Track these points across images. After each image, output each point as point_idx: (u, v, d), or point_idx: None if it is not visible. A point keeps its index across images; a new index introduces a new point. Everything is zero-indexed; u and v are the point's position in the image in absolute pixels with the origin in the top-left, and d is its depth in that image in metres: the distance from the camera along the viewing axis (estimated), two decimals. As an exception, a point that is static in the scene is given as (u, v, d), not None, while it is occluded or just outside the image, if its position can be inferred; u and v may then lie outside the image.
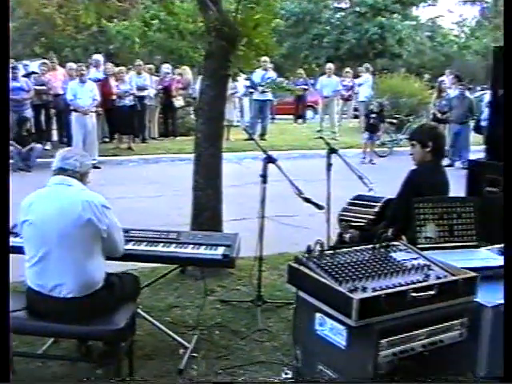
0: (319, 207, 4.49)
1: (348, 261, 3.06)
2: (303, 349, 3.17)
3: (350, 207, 4.73)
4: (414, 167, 4.21)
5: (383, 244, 3.24)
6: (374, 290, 2.79)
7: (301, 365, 3.19)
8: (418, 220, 3.52)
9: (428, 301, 2.83)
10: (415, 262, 3.08)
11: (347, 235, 4.53)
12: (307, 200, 4.46)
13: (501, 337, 2.95)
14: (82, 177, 3.45)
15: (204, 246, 4.07)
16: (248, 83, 14.79)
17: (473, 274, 2.96)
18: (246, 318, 4.87)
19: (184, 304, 5.12)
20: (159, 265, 4.83)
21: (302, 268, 3.01)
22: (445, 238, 3.56)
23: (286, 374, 3.63)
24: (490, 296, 3.02)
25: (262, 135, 14.38)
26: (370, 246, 3.23)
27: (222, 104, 5.49)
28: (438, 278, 2.93)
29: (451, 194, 4.24)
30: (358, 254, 3.15)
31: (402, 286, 2.83)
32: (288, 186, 4.56)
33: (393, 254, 3.16)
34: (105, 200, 3.48)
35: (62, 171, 3.39)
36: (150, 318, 4.41)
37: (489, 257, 3.45)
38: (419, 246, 3.48)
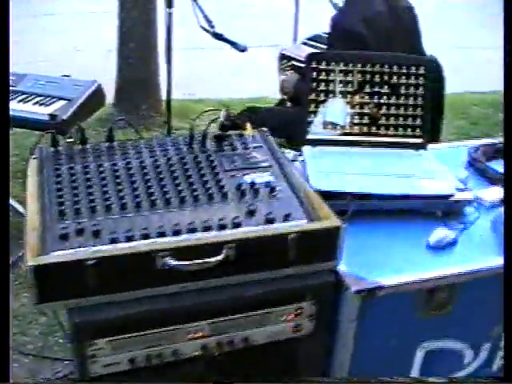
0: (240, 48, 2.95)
1: (120, 164, 1.65)
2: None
3: (302, 45, 3.12)
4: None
5: (216, 134, 1.77)
6: (113, 240, 1.39)
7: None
8: (314, 90, 1.96)
9: (209, 273, 1.41)
10: (249, 179, 1.61)
11: (282, 77, 3.00)
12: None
13: (379, 333, 1.54)
14: None
15: (39, 99, 2.72)
16: None
17: (335, 222, 1.46)
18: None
19: None
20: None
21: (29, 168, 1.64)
22: (363, 126, 1.99)
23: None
24: (382, 264, 1.55)
25: None
26: (188, 135, 1.77)
27: None
28: (269, 221, 1.47)
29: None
30: (151, 151, 1.72)
31: (163, 235, 1.41)
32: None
33: (225, 159, 1.70)
34: None
35: None
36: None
37: (431, 171, 1.89)
38: (310, 136, 1.96)
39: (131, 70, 4.24)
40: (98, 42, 5.87)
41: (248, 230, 1.44)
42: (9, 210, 1.50)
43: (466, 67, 5.78)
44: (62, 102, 2.66)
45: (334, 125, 1.97)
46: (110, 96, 4.49)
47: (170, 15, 3.06)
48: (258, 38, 5.79)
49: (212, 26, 2.88)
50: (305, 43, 3.10)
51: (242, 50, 2.92)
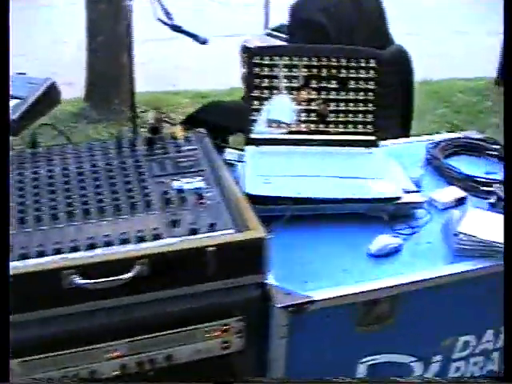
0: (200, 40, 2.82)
1: (42, 172, 1.56)
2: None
3: (265, 36, 3.00)
4: None
5: (146, 137, 1.67)
6: (23, 256, 1.31)
7: None
8: (257, 87, 1.85)
9: (122, 290, 1.31)
10: (177, 185, 1.51)
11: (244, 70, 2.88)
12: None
13: (313, 349, 1.43)
14: None
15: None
16: None
17: (259, 233, 1.35)
18: None
19: None
20: None
21: None
22: (310, 124, 1.88)
23: None
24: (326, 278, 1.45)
25: None
26: (116, 139, 1.67)
27: None
28: (192, 232, 1.37)
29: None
30: (77, 157, 1.63)
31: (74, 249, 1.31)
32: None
33: (155, 164, 1.61)
34: None
35: None
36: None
37: (380, 171, 1.77)
38: (253, 135, 1.85)
39: (101, 64, 4.12)
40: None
41: (164, 243, 1.34)
42: (9, 212, 1.40)
43: (457, 53, 5.64)
44: (15, 101, 2.53)
45: (279, 123, 1.86)
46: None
47: (129, 7, 2.94)
48: (244, 26, 5.65)
49: (170, 18, 2.75)
50: (269, 34, 2.96)
51: (203, 42, 2.80)
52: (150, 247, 1.33)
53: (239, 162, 1.83)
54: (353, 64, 1.84)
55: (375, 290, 1.44)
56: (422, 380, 1.60)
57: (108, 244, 1.34)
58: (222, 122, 2.61)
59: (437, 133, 2.66)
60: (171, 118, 1.71)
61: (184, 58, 5.35)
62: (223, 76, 4.95)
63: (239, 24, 6.00)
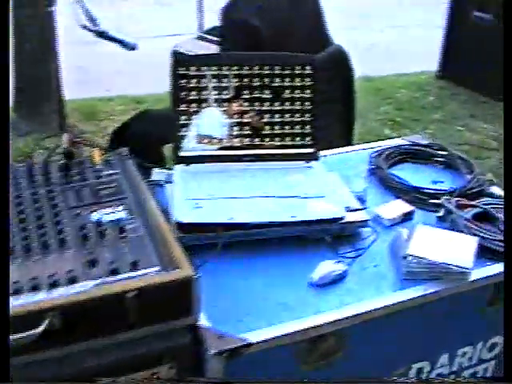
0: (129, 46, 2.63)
1: None
2: None
3: (196, 40, 2.83)
4: None
5: (61, 163, 1.50)
6: None
7: None
8: (184, 100, 1.69)
9: (34, 346, 1.15)
10: (96, 217, 1.35)
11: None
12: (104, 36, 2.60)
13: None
14: None
15: None
16: None
17: (186, 272, 1.21)
18: None
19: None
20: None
21: None
22: (244, 138, 1.74)
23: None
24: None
25: None
26: (27, 166, 1.50)
27: None
28: (112, 272, 1.22)
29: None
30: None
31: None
32: None
33: (71, 193, 1.44)
34: None
35: None
36: None
37: (320, 188, 1.64)
38: (183, 153, 1.69)
39: (28, 71, 3.86)
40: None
41: (80, 289, 1.18)
42: (9, 212, 1.32)
43: (396, 47, 5.60)
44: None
45: (210, 138, 1.70)
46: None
47: (51, 13, 2.74)
48: (184, 26, 5.47)
49: (96, 24, 2.56)
50: (201, 37, 2.80)
51: (132, 48, 2.61)
52: (62, 295, 1.17)
53: (168, 182, 1.68)
54: (287, 72, 1.71)
55: (319, 325, 1.30)
56: (424, 381, 1.54)
57: (16, 292, 1.17)
58: (157, 131, 2.45)
59: (378, 140, 2.53)
60: (88, 139, 1.53)
61: (119, 61, 5.13)
62: (161, 79, 4.77)
63: (180, 24, 5.81)
